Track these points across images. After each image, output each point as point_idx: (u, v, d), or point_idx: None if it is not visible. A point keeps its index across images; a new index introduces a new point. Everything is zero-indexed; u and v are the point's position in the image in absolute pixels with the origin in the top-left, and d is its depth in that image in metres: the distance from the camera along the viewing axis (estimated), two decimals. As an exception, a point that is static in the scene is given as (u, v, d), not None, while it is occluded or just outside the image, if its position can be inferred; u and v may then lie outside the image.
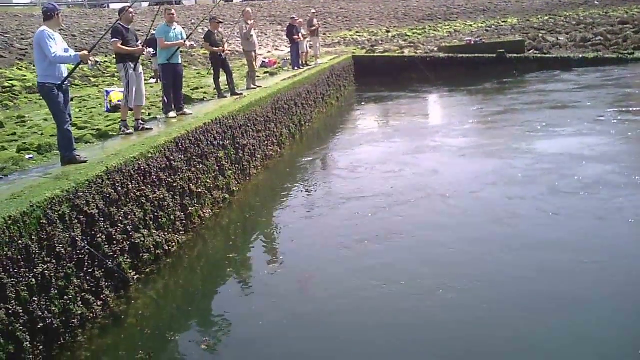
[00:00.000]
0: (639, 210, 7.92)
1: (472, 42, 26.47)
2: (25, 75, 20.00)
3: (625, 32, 27.63)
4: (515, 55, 24.42)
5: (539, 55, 24.80)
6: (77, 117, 11.94)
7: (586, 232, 7.51)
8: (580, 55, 23.98)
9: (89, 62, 7.46)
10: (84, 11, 44.04)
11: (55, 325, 5.42)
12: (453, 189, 9.64)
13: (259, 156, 11.88)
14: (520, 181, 9.73)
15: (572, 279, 6.31)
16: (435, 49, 27.75)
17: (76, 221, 6.03)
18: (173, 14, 10.96)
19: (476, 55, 24.68)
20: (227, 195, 10.00)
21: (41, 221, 5.49)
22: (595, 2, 46.39)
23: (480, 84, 22.05)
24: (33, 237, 5.36)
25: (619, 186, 8.99)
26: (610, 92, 17.47)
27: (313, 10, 25.17)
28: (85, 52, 7.31)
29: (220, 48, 12.72)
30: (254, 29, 14.86)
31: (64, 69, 7.26)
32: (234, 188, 10.33)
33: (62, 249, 5.69)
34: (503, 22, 39.36)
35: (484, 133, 14.07)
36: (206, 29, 13.78)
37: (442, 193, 9.45)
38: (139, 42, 9.51)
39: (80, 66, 7.72)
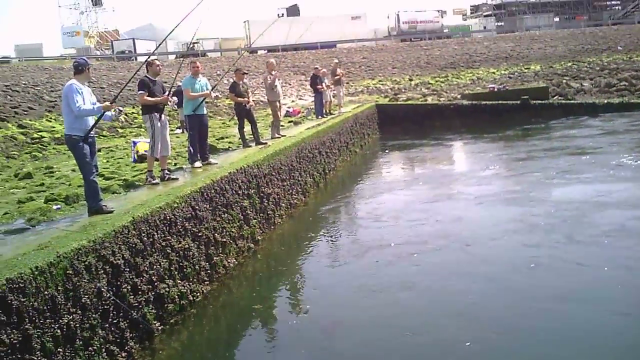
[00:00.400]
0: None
1: (495, 89, 26.46)
2: (54, 127, 20.44)
3: (650, 76, 27.50)
4: (539, 101, 24.20)
5: (563, 102, 24.54)
6: (104, 168, 12.13)
7: (613, 282, 7.29)
8: (605, 101, 23.69)
9: (112, 112, 7.62)
10: (112, 64, 45.25)
11: (79, 378, 5.39)
12: (475, 237, 9.55)
13: (283, 205, 11.90)
14: (542, 229, 9.59)
15: (605, 333, 6.11)
16: (459, 96, 27.71)
17: (102, 271, 6.06)
18: (198, 67, 11.21)
19: (500, 102, 24.53)
20: (251, 245, 9.99)
21: (67, 272, 5.52)
22: (619, 48, 46.45)
23: (504, 131, 21.90)
24: (59, 288, 5.38)
25: (641, 233, 8.83)
26: (634, 137, 17.29)
27: (336, 60, 25.51)
28: (107, 103, 7.49)
29: (246, 99, 12.91)
30: (278, 79, 15.09)
31: (91, 122, 7.41)
32: (259, 237, 10.32)
33: (88, 300, 5.70)
34: (526, 68, 39.45)
35: (505, 180, 13.97)
36: (231, 80, 14.03)
37: (465, 242, 9.36)
38: (166, 93, 9.70)
39: (103, 118, 7.80)
